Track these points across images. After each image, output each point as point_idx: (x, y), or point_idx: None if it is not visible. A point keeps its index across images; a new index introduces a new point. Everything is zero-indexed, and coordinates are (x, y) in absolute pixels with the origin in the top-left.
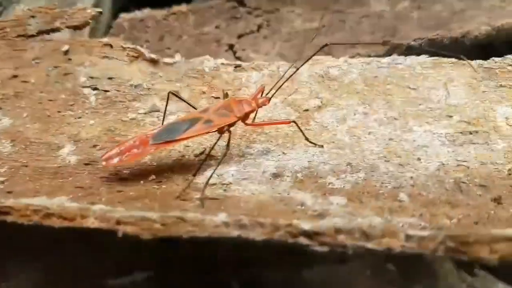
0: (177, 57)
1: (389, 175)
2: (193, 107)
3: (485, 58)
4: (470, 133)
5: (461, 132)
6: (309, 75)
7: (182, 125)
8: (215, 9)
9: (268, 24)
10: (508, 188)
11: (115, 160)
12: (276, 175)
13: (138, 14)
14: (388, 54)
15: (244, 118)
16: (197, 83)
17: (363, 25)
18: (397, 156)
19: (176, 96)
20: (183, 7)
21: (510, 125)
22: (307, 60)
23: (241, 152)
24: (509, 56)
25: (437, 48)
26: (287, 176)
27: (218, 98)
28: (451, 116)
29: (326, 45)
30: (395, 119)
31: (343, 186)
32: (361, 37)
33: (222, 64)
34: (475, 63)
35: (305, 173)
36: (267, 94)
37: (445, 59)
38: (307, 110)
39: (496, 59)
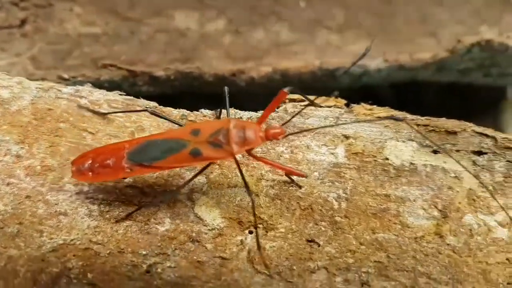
0: None
1: None
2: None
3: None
4: (135, 204)
5: (123, 201)
6: None
7: (162, 147)
8: None
9: (35, 20)
10: None
11: (84, 175)
12: None
13: None
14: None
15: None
16: None
17: (156, 42)
18: (18, 223)
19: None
20: None
21: None
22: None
23: None
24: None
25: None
26: None
27: None
28: (123, 178)
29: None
30: (50, 169)
31: None
32: (149, 55)
33: None
34: (178, 112)
35: None
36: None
37: (142, 102)
38: None
39: (205, 111)
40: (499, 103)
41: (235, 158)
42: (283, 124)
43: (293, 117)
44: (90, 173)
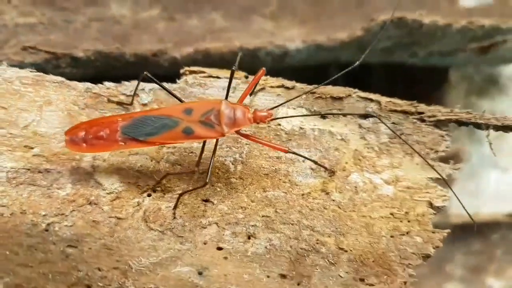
0: None
1: None
2: (178, 98)
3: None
4: (40, 171)
5: (29, 169)
6: None
7: (156, 123)
8: None
9: None
10: None
11: (79, 145)
12: None
13: None
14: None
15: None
16: None
17: (91, 29)
18: None
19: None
20: None
21: None
22: None
23: None
24: (128, 82)
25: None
26: None
27: None
28: (32, 148)
29: None
30: None
31: None
32: (82, 42)
33: None
34: (83, 85)
35: None
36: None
37: (50, 77)
38: None
39: (109, 84)
40: (442, 87)
41: (217, 139)
42: (271, 109)
43: (285, 102)
44: (84, 144)
